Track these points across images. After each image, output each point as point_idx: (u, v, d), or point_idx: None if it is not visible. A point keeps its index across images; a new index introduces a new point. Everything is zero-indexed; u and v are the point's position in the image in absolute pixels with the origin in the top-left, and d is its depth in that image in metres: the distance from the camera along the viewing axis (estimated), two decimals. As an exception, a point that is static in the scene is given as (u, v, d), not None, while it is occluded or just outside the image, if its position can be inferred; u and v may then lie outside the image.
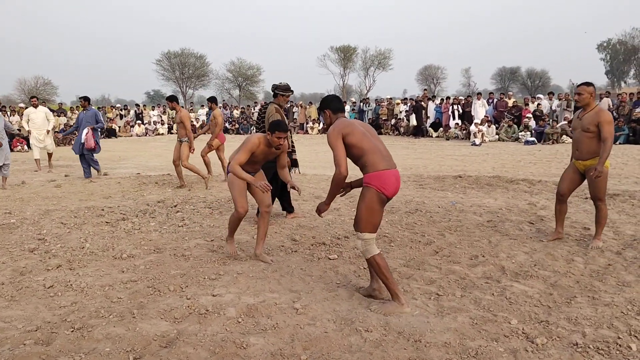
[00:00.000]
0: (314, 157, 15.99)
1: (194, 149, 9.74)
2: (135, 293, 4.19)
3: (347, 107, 28.08)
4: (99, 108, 27.82)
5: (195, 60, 56.53)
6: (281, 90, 6.69)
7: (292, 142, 6.97)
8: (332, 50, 59.01)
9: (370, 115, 26.95)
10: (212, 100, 11.17)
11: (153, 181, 10.38)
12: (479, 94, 21.60)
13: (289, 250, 5.45)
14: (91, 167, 11.13)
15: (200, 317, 3.70)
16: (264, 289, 4.29)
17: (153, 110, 29.50)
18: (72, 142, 20.93)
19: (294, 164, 7.07)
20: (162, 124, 28.22)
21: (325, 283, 4.47)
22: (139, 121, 27.80)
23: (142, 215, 7.15)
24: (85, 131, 10.70)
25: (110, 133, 25.71)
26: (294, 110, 29.00)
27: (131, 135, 26.69)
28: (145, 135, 26.93)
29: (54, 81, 52.27)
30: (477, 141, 18.67)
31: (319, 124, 27.61)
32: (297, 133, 27.52)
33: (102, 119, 11.39)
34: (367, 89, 59.81)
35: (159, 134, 27.46)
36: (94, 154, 11.12)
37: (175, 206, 7.81)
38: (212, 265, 4.91)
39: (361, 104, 28.58)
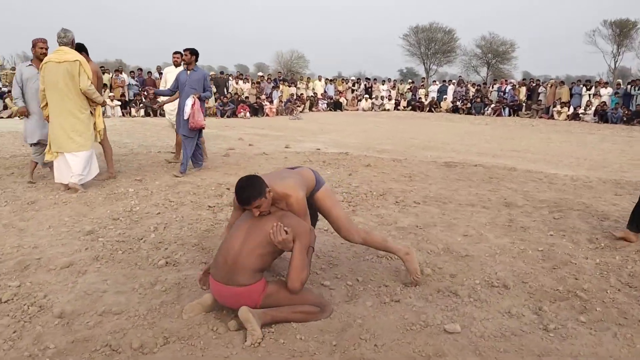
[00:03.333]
0: (542, 147, 12.73)
1: None
2: (80, 344, 2.66)
3: (609, 90, 22.89)
4: (331, 81, 27.95)
5: (443, 35, 54.01)
6: None
7: None
8: (605, 24, 50.23)
9: (638, 101, 21.42)
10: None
11: (322, 159, 8.96)
12: None
13: (357, 289, 3.33)
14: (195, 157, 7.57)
15: None
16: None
17: (383, 84, 28.47)
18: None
19: None
20: (390, 99, 27.01)
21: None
22: (367, 95, 27.10)
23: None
24: (189, 102, 7.01)
25: (337, 106, 25.53)
26: (539, 90, 24.89)
27: (357, 110, 26.15)
28: (371, 110, 26.10)
29: (307, 55, 55.49)
30: None
31: (568, 108, 23.10)
32: (540, 118, 23.49)
33: (210, 85, 7.66)
34: (646, 70, 49.56)
35: (384, 110, 26.37)
36: (201, 135, 7.64)
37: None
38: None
39: (629, 86, 22.97)
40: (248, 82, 22.75)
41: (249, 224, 2.97)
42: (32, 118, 6.40)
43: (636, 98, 21.76)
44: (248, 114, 19.37)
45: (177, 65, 8.56)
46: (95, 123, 6.39)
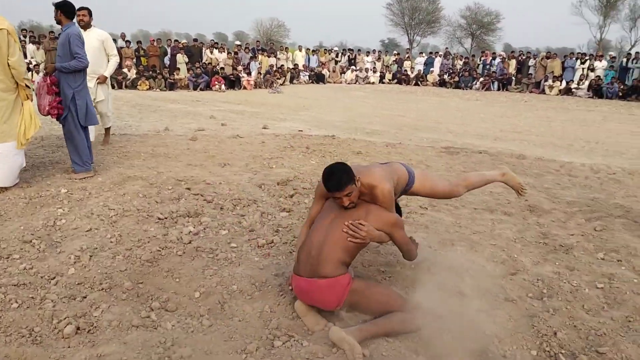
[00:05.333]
0: (544, 127, 11.66)
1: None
2: None
3: (604, 63, 21.88)
4: (313, 52, 26.40)
5: (428, 5, 52.27)
6: None
7: None
8: (592, -6, 48.97)
9: (636, 75, 20.47)
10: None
11: (305, 144, 7.72)
12: None
13: None
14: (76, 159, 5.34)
15: None
16: None
17: (367, 56, 27.04)
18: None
19: None
20: (375, 72, 25.64)
21: None
22: (352, 67, 25.68)
23: (228, 211, 4.49)
24: (38, 77, 5.38)
25: (319, 78, 24.12)
26: (529, 64, 23.79)
27: (340, 82, 24.77)
28: (355, 83, 24.75)
29: (288, 24, 53.32)
30: None
31: (561, 82, 22.05)
32: (531, 92, 22.44)
33: (81, 50, 5.13)
34: (631, 44, 48.63)
35: (369, 83, 25.03)
36: (66, 126, 5.26)
37: (292, 196, 5.01)
38: None
39: (624, 60, 21.99)
40: (224, 51, 21.10)
41: (334, 215, 2.83)
42: None
43: (633, 72, 20.83)
44: (223, 87, 17.87)
45: (82, 26, 6.35)
46: (23, 118, 4.92)
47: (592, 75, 21.52)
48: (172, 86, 17.29)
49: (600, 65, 21.77)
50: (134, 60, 18.55)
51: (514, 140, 9.55)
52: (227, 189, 5.13)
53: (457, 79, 24.44)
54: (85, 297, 2.83)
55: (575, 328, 2.73)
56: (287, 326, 2.67)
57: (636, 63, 20.90)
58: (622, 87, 20.41)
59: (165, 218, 4.17)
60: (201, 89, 17.47)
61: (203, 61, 19.76)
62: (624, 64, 21.60)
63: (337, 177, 2.70)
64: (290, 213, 4.52)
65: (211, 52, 20.58)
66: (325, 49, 27.99)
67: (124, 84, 16.67)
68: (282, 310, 2.84)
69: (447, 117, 12.77)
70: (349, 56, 26.65)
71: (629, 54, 22.11)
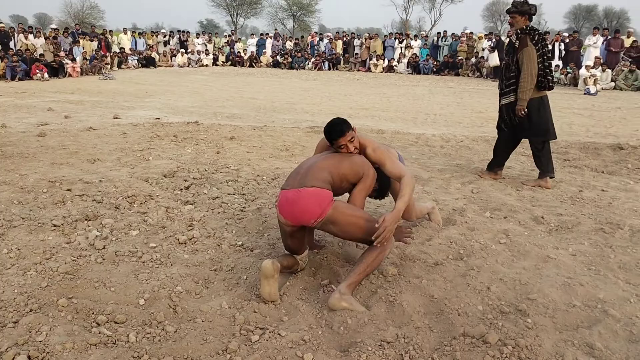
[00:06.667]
0: (385, 103, 12.58)
1: None
2: None
3: (419, 42, 24.14)
4: (140, 34, 24.99)
5: (249, -14, 52.27)
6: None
7: None
8: (398, -23, 53.41)
9: (446, 52, 22.95)
10: None
11: (172, 132, 7.37)
12: (596, 28, 17.19)
13: None
14: None
15: None
16: None
17: (198, 38, 26.31)
18: (103, 72, 18.27)
19: None
20: (207, 54, 25.09)
21: None
22: (182, 50, 24.77)
23: (125, 210, 4.17)
24: None
25: (149, 62, 22.89)
26: (355, 44, 25.28)
27: (172, 66, 23.80)
28: (188, 66, 23.98)
29: (101, 5, 49.31)
30: (592, 89, 14.72)
31: (383, 60, 23.84)
32: (358, 70, 23.94)
33: None
34: (432, 23, 54.18)
35: (202, 65, 24.44)
36: None
37: (187, 187, 4.81)
38: None
39: (435, 39, 24.47)
40: (40, 36, 18.87)
41: (327, 151, 3.25)
42: None
43: (443, 49, 23.27)
44: (46, 75, 16.05)
45: None
46: None
47: (409, 53, 23.62)
48: (-17, 77, 15.06)
49: (416, 44, 23.97)
50: None
51: (365, 117, 10.17)
52: (112, 186, 4.73)
53: (290, 59, 25.01)
54: (17, 322, 2.46)
55: (502, 281, 3.10)
56: (255, 320, 2.62)
57: (445, 41, 23.41)
58: (435, 63, 22.77)
59: (62, 224, 3.74)
60: (20, 79, 15.49)
61: (18, 48, 17.46)
62: (435, 42, 24.04)
63: (337, 126, 3.06)
64: (195, 205, 4.35)
65: (26, 38, 18.25)
66: (152, 32, 26.55)
67: None
68: (241, 304, 2.77)
69: (296, 98, 13.09)
70: (179, 37, 25.66)
71: (439, 33, 24.64)
